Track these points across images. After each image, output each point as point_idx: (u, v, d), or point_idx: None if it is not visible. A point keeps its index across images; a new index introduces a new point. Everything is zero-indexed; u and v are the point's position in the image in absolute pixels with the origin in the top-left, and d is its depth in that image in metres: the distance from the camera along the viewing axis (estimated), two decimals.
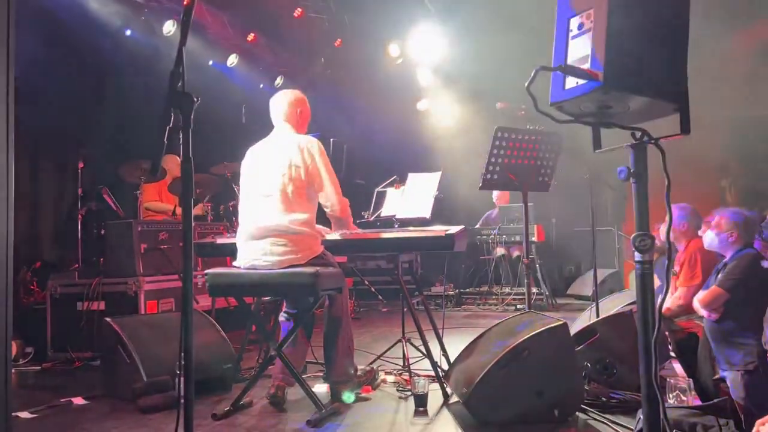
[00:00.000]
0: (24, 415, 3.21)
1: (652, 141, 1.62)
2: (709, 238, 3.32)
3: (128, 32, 6.64)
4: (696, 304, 3.30)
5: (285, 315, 3.55)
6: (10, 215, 1.97)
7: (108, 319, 3.58)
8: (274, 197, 3.21)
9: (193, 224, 5.58)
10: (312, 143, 3.30)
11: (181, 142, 1.61)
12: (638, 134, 1.65)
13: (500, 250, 7.63)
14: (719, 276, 3.20)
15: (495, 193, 8.08)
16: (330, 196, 3.30)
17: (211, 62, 7.87)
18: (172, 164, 5.70)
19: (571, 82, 1.58)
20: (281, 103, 3.47)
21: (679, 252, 3.91)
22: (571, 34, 1.61)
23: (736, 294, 3.07)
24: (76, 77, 6.06)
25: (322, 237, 3.40)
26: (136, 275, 4.69)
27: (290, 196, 3.20)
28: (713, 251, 3.52)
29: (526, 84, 1.53)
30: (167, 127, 1.51)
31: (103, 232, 5.15)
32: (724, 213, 3.26)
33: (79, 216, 5.41)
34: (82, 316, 4.59)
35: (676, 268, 3.85)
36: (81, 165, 5.52)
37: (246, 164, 3.42)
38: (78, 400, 3.49)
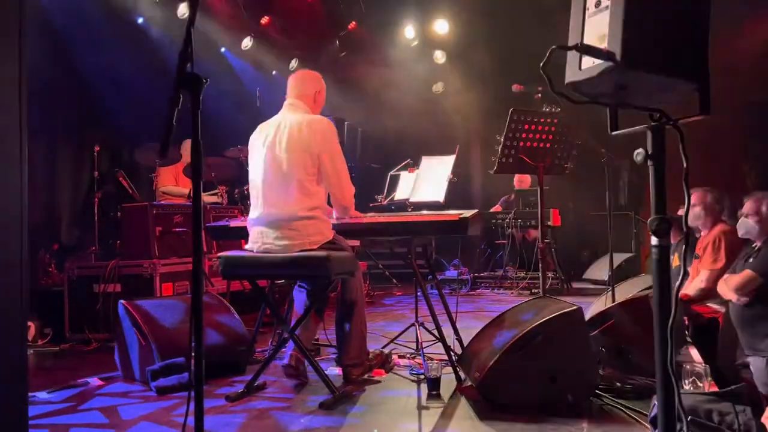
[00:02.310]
0: (42, 395, 3.26)
1: (671, 122, 1.58)
2: (746, 225, 3.23)
3: (144, 14, 6.66)
4: (722, 287, 3.24)
5: (298, 288, 3.55)
6: (24, 198, 1.98)
7: (123, 302, 3.61)
8: (287, 182, 3.15)
9: (206, 207, 5.59)
10: (324, 123, 3.24)
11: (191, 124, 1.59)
12: (656, 115, 1.60)
13: (514, 232, 7.58)
14: (751, 260, 3.12)
15: (516, 176, 8.02)
16: (337, 183, 3.24)
17: (224, 46, 7.85)
18: (188, 148, 5.71)
19: (588, 61, 1.54)
20: (301, 81, 3.41)
21: (702, 236, 3.85)
22: (588, 12, 1.56)
23: None
24: (92, 61, 6.08)
25: (333, 221, 3.39)
26: (152, 258, 4.73)
27: (303, 183, 3.14)
28: (737, 236, 3.44)
29: (541, 64, 1.49)
30: (176, 109, 1.49)
31: (119, 215, 5.20)
32: (762, 200, 3.16)
33: (96, 199, 5.46)
34: (98, 298, 4.64)
35: (699, 252, 3.80)
36: (97, 149, 5.55)
37: (256, 143, 3.33)
38: (95, 381, 3.54)
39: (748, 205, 3.22)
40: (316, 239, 3.14)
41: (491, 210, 8.09)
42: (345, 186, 3.29)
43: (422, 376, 3.37)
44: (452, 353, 3.49)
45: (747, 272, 3.08)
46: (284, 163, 3.17)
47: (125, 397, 3.24)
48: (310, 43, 8.79)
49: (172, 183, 6.07)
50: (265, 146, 3.25)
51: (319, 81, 3.46)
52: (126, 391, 3.34)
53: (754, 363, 2.99)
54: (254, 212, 3.28)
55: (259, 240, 3.21)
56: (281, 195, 3.17)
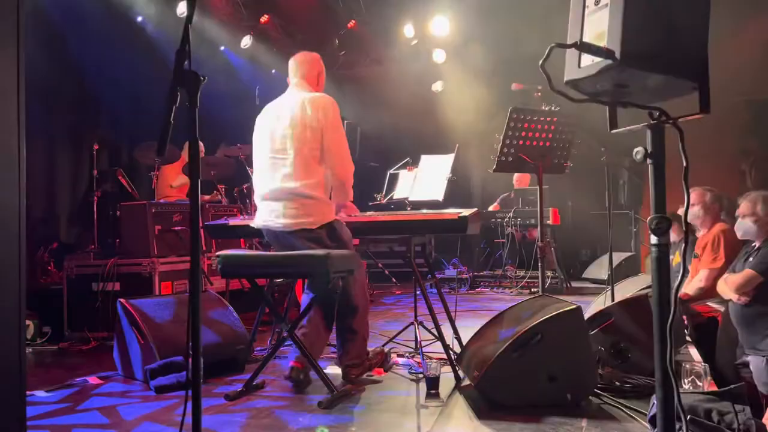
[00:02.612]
0: (40, 393, 3.25)
1: (671, 121, 1.57)
2: (744, 226, 3.22)
3: (144, 13, 6.66)
4: (722, 287, 3.23)
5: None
6: (23, 196, 1.97)
7: (122, 300, 3.61)
8: (287, 160, 3.21)
9: (205, 205, 5.56)
10: (326, 100, 3.28)
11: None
12: (656, 114, 1.60)
13: (513, 231, 7.58)
14: (751, 259, 3.12)
15: (515, 176, 8.02)
16: (339, 159, 3.27)
17: (224, 44, 7.84)
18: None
19: (587, 60, 1.53)
20: (304, 61, 3.46)
21: (701, 235, 3.84)
22: (587, 10, 1.56)
23: None
24: (91, 59, 6.07)
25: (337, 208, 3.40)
26: (151, 256, 4.73)
27: (305, 159, 3.19)
28: (736, 234, 3.44)
29: (540, 62, 1.49)
30: (174, 107, 1.49)
31: (118, 213, 5.19)
32: (756, 200, 3.16)
33: (95, 198, 5.46)
34: (97, 297, 4.63)
35: (698, 251, 3.79)
36: (96, 147, 5.55)
37: (260, 122, 3.41)
38: (93, 380, 3.53)
39: (743, 207, 3.22)
40: (316, 220, 3.19)
41: (490, 209, 8.08)
42: (346, 161, 3.32)
43: (421, 375, 3.36)
44: (451, 352, 3.49)
45: (747, 271, 3.08)
46: (288, 139, 3.22)
47: (125, 396, 3.23)
48: (310, 42, 8.77)
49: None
50: (270, 125, 3.32)
51: (320, 62, 3.52)
52: (125, 390, 3.33)
53: (754, 362, 2.99)
54: (261, 189, 3.32)
55: (261, 216, 3.29)
56: (284, 174, 3.21)
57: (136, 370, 3.49)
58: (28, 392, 2.94)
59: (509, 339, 2.80)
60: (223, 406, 2.98)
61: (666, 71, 1.49)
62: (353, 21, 8.59)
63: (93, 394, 3.27)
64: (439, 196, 4.06)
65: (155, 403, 3.06)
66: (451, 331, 3.81)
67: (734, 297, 3.13)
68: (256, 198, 3.37)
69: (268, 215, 3.27)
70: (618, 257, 7.16)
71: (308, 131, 3.19)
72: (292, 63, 3.48)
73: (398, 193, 4.44)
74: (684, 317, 3.60)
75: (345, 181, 3.35)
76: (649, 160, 1.60)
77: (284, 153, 3.22)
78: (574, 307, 2.85)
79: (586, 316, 3.27)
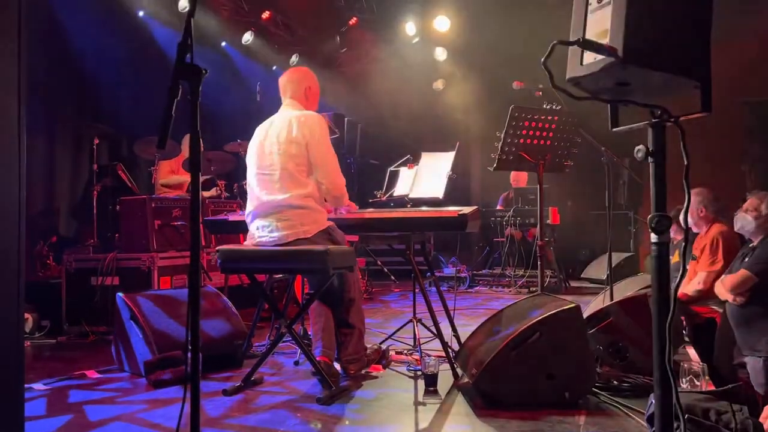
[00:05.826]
0: (38, 386, 3.25)
1: (672, 120, 1.57)
2: (743, 220, 3.23)
3: (145, 7, 6.65)
4: (719, 288, 3.24)
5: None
6: (22, 190, 1.96)
7: (121, 294, 3.61)
8: (275, 176, 3.22)
9: (205, 201, 5.55)
10: (312, 117, 3.29)
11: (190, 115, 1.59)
12: (657, 112, 1.59)
13: (511, 231, 7.58)
14: (746, 260, 3.13)
15: (512, 174, 8.01)
16: (326, 173, 3.27)
17: (225, 40, 7.84)
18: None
19: (589, 57, 1.53)
20: (289, 81, 3.47)
21: (699, 236, 3.83)
22: (590, 8, 1.55)
23: (765, 278, 3.01)
24: (92, 53, 6.07)
25: (327, 212, 3.39)
26: (150, 251, 4.72)
27: (291, 173, 3.20)
28: (735, 237, 3.43)
29: (542, 59, 1.48)
30: (175, 100, 1.49)
31: (117, 208, 5.19)
32: (764, 198, 3.16)
33: (95, 192, 5.45)
34: (96, 291, 4.63)
35: (696, 253, 3.78)
36: (96, 141, 5.54)
37: (252, 142, 3.43)
38: (91, 374, 3.53)
39: (750, 201, 3.23)
40: (310, 228, 3.18)
41: (498, 208, 8.05)
42: (335, 175, 3.31)
43: (419, 372, 3.37)
44: (450, 350, 3.49)
45: (742, 272, 3.08)
46: (274, 156, 3.24)
47: (121, 389, 3.23)
48: (311, 39, 8.77)
49: (170, 175, 6.06)
50: (259, 144, 3.34)
51: (307, 77, 3.50)
52: (122, 384, 3.33)
53: (751, 363, 2.99)
54: (250, 206, 3.34)
55: (255, 234, 3.27)
56: (273, 186, 3.23)
57: (135, 365, 3.48)
58: (25, 385, 2.93)
59: (508, 337, 2.80)
60: (221, 401, 2.97)
61: (668, 70, 1.49)
62: (355, 18, 8.58)
63: (90, 388, 3.26)
64: (440, 193, 4.06)
65: (152, 397, 3.05)
66: (450, 329, 3.81)
67: (730, 297, 3.14)
68: (247, 218, 3.36)
69: (260, 232, 3.25)
70: (617, 257, 7.17)
71: (293, 147, 3.21)
72: (281, 83, 3.50)
73: (398, 191, 4.43)
74: (682, 318, 3.60)
75: (336, 194, 3.36)
76: (650, 159, 1.60)
77: (271, 169, 3.24)
78: (573, 305, 2.85)
79: (585, 315, 3.27)
